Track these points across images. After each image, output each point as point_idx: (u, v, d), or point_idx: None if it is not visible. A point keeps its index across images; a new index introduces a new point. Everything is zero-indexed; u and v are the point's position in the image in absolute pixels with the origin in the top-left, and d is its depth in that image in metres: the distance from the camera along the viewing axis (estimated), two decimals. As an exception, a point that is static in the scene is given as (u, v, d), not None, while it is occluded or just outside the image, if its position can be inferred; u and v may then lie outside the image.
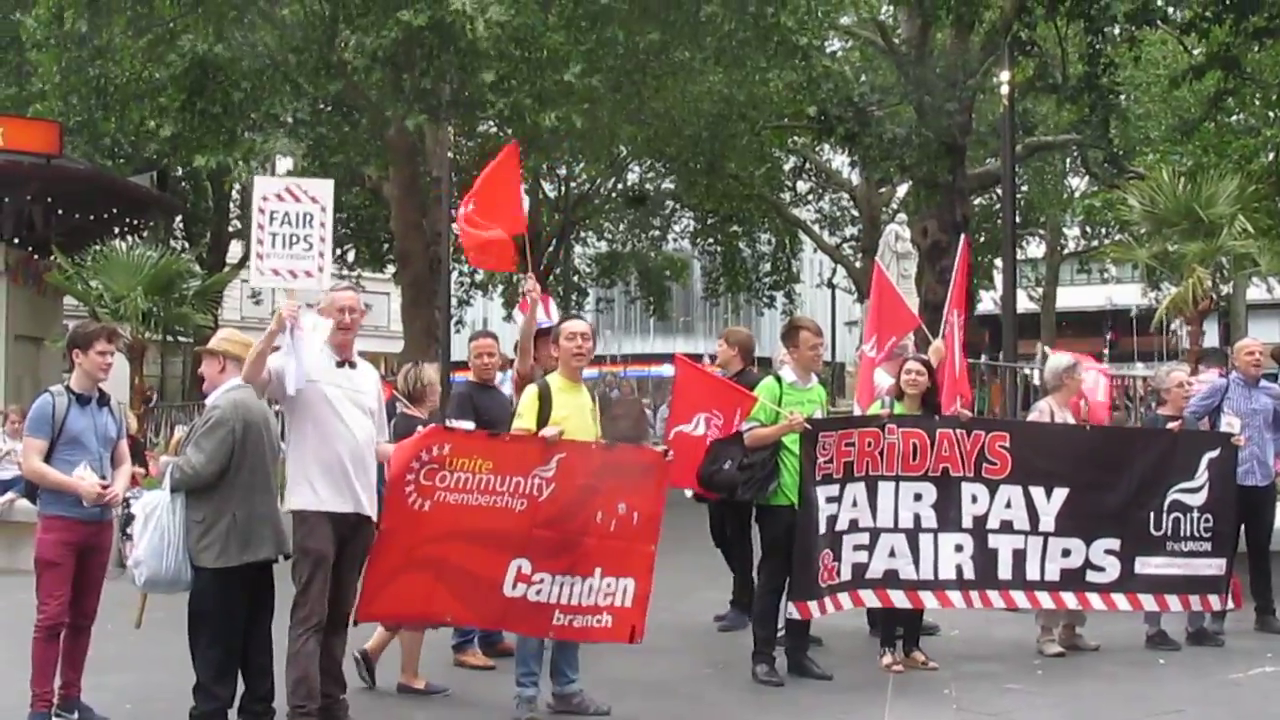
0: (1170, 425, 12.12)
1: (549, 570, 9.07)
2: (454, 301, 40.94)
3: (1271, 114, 38.71)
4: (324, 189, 8.71)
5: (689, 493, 12.20)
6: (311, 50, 24.47)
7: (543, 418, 9.30)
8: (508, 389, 11.70)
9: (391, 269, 41.38)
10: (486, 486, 8.93)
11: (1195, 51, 36.40)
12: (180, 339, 31.00)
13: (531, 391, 9.54)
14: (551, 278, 45.61)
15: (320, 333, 8.60)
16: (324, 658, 8.77)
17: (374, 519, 8.91)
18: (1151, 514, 11.57)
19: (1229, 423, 12.46)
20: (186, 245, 42.84)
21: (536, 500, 9.02)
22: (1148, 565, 11.54)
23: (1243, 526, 12.50)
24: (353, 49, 23.83)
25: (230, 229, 45.07)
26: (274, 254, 8.42)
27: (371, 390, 9.06)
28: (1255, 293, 48.82)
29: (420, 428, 9.70)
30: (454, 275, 41.75)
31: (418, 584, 8.95)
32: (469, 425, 10.33)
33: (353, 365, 8.91)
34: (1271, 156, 37.92)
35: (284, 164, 42.20)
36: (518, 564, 9.02)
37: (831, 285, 57.49)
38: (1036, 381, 19.03)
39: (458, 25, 20.30)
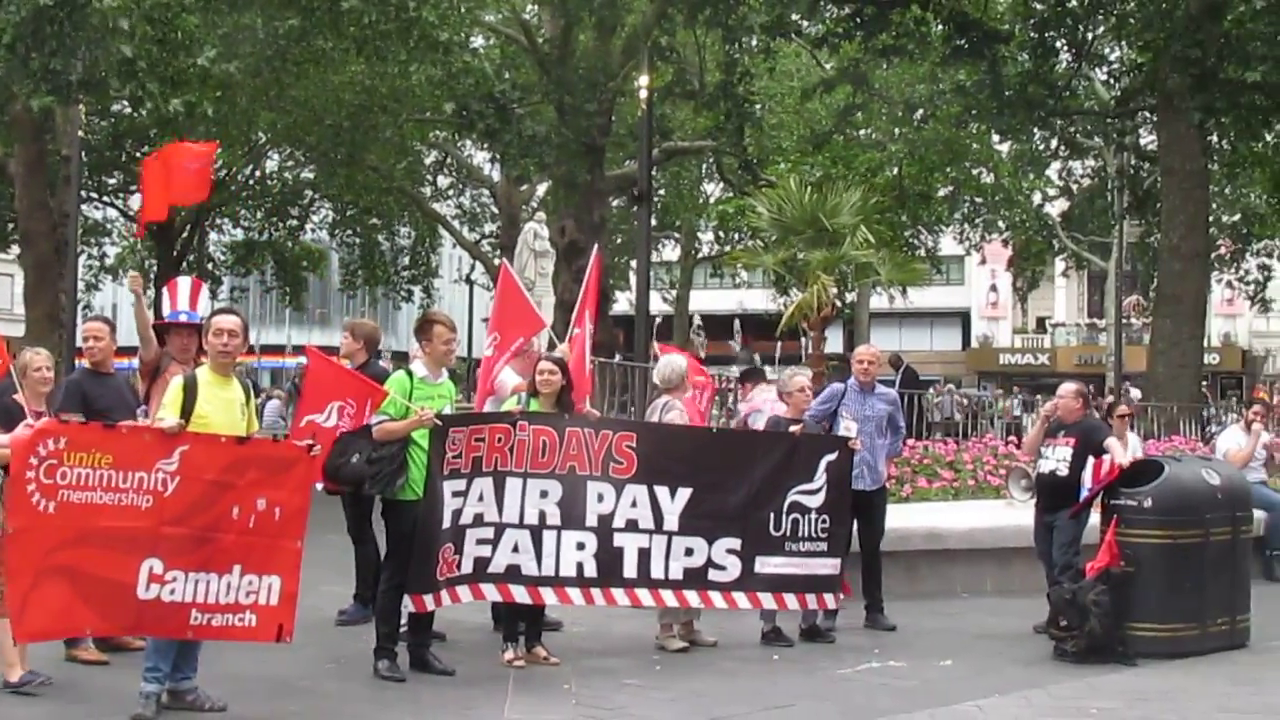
0: (792, 428, 12.46)
1: (182, 568, 8.75)
2: (81, 285, 39.61)
3: (896, 130, 40.29)
4: None
5: (319, 485, 12.09)
6: (-68, 21, 23.40)
7: (186, 411, 9.04)
8: None
9: (16, 249, 39.81)
10: (109, 483, 8.56)
11: (827, 65, 37.65)
12: None
13: (177, 383, 9.26)
14: (185, 265, 44.46)
15: None
16: None
17: None
18: (772, 514, 11.82)
19: (846, 427, 12.91)
20: None
21: (162, 496, 8.69)
22: (767, 565, 11.81)
23: (854, 529, 12.98)
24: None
25: None
26: None
27: None
28: (877, 301, 50.57)
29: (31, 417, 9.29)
30: (82, 258, 40.45)
31: (56, 596, 8.51)
32: (78, 417, 9.88)
33: None
34: (895, 171, 39.49)
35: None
36: (149, 564, 8.66)
37: (470, 281, 57.53)
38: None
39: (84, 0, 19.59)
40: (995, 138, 40.60)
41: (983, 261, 62.26)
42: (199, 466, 8.81)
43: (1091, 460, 12.89)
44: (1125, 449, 13.33)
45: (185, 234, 44.63)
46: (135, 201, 46.94)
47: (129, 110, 33.63)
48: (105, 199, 45.91)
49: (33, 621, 8.58)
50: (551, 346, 13.09)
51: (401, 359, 15.04)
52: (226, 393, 9.36)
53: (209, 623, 8.94)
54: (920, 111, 38.98)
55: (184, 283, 12.24)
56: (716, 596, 11.70)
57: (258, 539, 9.03)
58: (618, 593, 11.40)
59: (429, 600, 10.49)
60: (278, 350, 67.36)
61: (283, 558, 9.15)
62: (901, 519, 14.68)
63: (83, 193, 34.12)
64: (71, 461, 8.47)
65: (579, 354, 12.89)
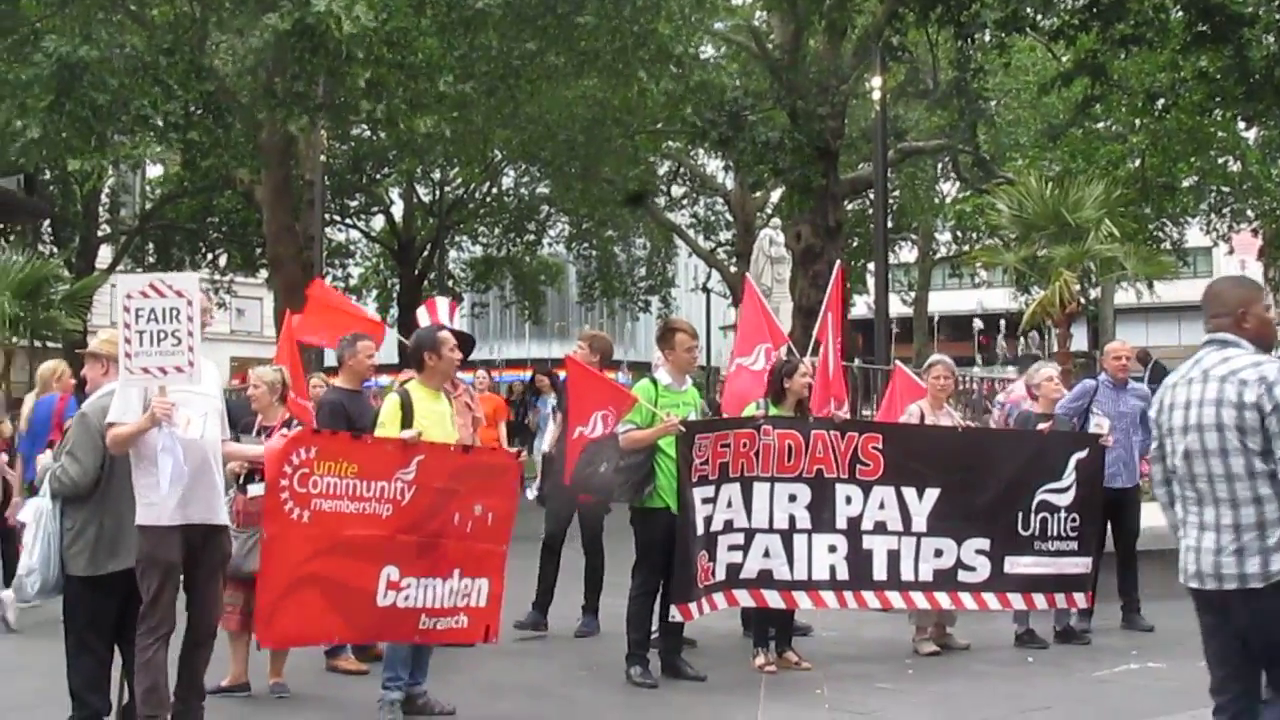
0: (1041, 426, 12.26)
1: (414, 574, 8.98)
2: (327, 306, 40.53)
3: (1137, 121, 39.36)
4: (189, 282, 8.24)
5: (531, 494, 12.44)
6: (182, 52, 24.12)
7: (404, 426, 9.31)
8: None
9: (264, 273, 40.93)
10: (354, 492, 8.76)
11: (1063, 58, 36.93)
12: (49, 344, 30.43)
13: (393, 400, 9.55)
14: (426, 283, 45.35)
15: (195, 430, 8.32)
16: (185, 669, 8.46)
17: (226, 527, 8.72)
18: (1020, 514, 11.68)
19: (1098, 424, 12.61)
20: (54, 249, 42.05)
21: (400, 505, 8.92)
22: (1016, 565, 11.67)
23: (1109, 527, 12.72)
24: (224, 52, 23.48)
25: (100, 233, 44.27)
26: (142, 352, 8.00)
27: (214, 391, 8.75)
28: (1123, 296, 49.53)
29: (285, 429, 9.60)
30: (327, 279, 41.46)
31: (310, 603, 8.75)
32: None
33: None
34: (1138, 162, 38.62)
35: (154, 169, 41.77)
36: (387, 572, 8.90)
37: (706, 290, 57.58)
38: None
39: (323, 27, 20.00)
40: (1241, 124, 39.45)
41: (1231, 252, 60.49)
42: (431, 475, 9.03)
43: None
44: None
45: (426, 252, 45.55)
46: (377, 222, 48.18)
47: (368, 134, 34.41)
48: (348, 221, 47.06)
49: (281, 628, 8.81)
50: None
51: (642, 370, 15.09)
52: (438, 406, 9.67)
53: (435, 626, 9.18)
54: (1162, 101, 38.02)
55: (442, 303, 12.52)
56: (967, 598, 11.60)
57: (474, 543, 9.26)
58: (868, 595, 11.37)
59: (693, 608, 10.54)
60: (519, 364, 68.26)
61: (492, 561, 9.38)
62: (1157, 517, 14.30)
63: (326, 215, 34.93)
64: (322, 470, 8.65)
65: (825, 356, 12.89)
